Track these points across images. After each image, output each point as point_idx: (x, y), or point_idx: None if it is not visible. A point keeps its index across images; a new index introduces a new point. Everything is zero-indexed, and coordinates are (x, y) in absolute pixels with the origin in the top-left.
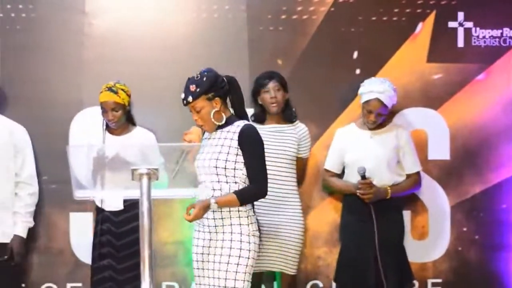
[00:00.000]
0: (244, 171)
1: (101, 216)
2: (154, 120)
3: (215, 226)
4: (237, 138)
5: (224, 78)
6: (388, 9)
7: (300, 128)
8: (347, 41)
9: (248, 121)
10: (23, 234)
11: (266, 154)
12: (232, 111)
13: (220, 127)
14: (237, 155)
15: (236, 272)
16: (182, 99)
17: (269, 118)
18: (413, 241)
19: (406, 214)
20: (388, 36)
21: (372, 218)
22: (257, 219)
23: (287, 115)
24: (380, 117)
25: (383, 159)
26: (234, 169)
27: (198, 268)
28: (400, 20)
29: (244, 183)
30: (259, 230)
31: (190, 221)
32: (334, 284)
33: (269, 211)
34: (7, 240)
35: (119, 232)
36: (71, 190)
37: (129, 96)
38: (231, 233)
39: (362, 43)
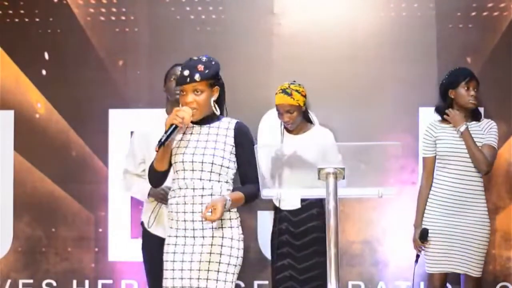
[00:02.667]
0: (235, 171)
1: (279, 216)
2: (341, 118)
3: (202, 229)
4: (232, 135)
5: None
6: None
7: (485, 123)
8: None
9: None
10: None
11: (453, 153)
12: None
13: (206, 122)
14: (231, 153)
15: (225, 281)
16: (184, 76)
17: None
18: None
19: None
20: None
21: None
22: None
23: (474, 114)
24: None
25: None
26: (228, 167)
27: (175, 278)
28: None
29: (232, 184)
30: None
31: (215, 220)
32: None
33: (454, 212)
34: None
35: (297, 232)
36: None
37: (304, 96)
38: (222, 237)
39: None
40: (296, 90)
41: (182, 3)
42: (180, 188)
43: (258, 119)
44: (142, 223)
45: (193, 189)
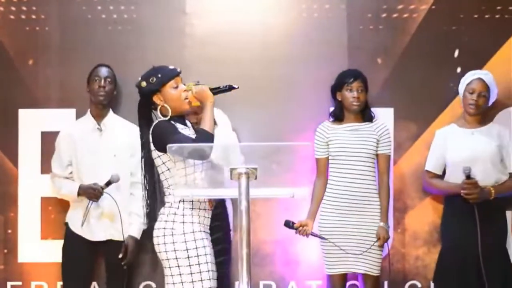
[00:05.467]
0: None
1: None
2: (253, 119)
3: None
4: None
5: None
6: (490, 6)
7: (378, 125)
8: (448, 40)
9: None
10: (137, 235)
11: (345, 153)
12: None
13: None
14: None
15: None
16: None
17: (347, 117)
18: None
19: (508, 215)
20: (491, 34)
21: (475, 220)
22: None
23: (366, 114)
24: (482, 99)
25: (487, 156)
26: None
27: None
28: (503, 17)
29: None
30: None
31: None
32: (432, 285)
33: (349, 212)
34: (121, 238)
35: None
36: None
37: None
38: None
39: (463, 41)
40: None
41: (94, 2)
42: None
43: None
44: (66, 224)
45: None
